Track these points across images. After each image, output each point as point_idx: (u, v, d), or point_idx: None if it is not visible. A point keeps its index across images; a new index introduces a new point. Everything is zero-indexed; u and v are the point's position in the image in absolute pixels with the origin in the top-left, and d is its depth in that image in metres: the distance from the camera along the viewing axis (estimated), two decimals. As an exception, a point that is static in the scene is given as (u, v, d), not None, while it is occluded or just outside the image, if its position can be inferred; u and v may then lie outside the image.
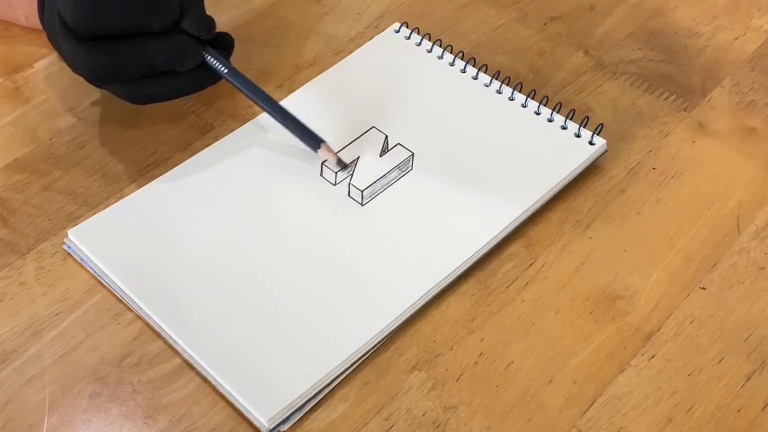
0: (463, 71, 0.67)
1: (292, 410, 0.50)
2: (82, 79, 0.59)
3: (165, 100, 0.60)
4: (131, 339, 0.54)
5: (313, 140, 0.60)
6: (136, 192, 0.60)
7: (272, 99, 0.60)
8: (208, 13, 0.59)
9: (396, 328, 0.54)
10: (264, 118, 0.63)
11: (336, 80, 0.67)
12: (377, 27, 0.72)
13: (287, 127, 0.60)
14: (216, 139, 0.63)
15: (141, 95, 0.58)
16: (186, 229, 0.58)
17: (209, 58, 0.59)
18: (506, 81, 0.66)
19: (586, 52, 0.71)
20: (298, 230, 0.58)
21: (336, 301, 0.54)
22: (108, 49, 0.55)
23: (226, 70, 0.59)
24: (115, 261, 0.56)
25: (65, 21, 0.55)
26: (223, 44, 0.60)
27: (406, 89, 0.66)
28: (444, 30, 0.72)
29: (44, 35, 0.63)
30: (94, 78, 0.57)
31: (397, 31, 0.70)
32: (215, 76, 0.60)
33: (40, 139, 0.64)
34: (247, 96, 0.60)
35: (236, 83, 0.60)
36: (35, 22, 0.64)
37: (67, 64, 0.58)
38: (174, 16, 0.56)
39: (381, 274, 0.56)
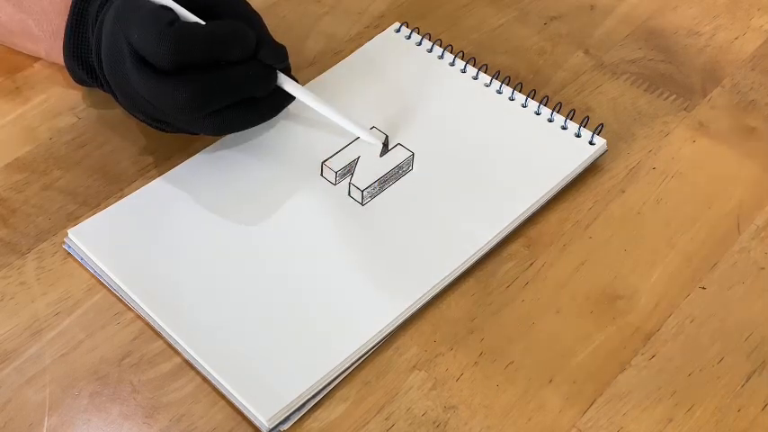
0: (463, 71, 0.67)
1: (292, 410, 0.50)
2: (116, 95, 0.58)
3: (247, 127, 0.59)
4: (131, 339, 0.54)
5: (377, 138, 0.62)
6: (136, 192, 0.60)
7: (338, 112, 0.61)
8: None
9: (396, 328, 0.54)
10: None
11: (336, 80, 0.67)
12: (377, 27, 0.72)
13: (354, 132, 0.62)
14: (216, 138, 0.63)
15: (225, 125, 0.58)
16: (186, 228, 0.58)
17: (283, 82, 0.59)
18: (506, 81, 0.66)
19: (586, 52, 0.71)
20: (298, 230, 0.58)
21: (336, 300, 0.54)
22: (194, 80, 0.55)
23: (301, 93, 0.60)
24: (115, 261, 0.56)
25: (139, 55, 0.54)
26: (285, 70, 0.61)
27: (406, 89, 0.66)
28: (444, 30, 0.72)
29: (63, 71, 0.63)
30: (184, 111, 0.55)
31: (398, 31, 0.70)
32: (289, 98, 0.60)
33: (39, 139, 0.64)
34: (317, 111, 0.61)
35: (307, 101, 0.61)
36: (55, 57, 0.64)
37: (137, 102, 0.57)
38: (253, 46, 0.57)
39: (381, 274, 0.56)
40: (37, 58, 0.69)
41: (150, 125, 0.60)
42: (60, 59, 0.62)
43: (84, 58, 0.61)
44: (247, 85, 0.57)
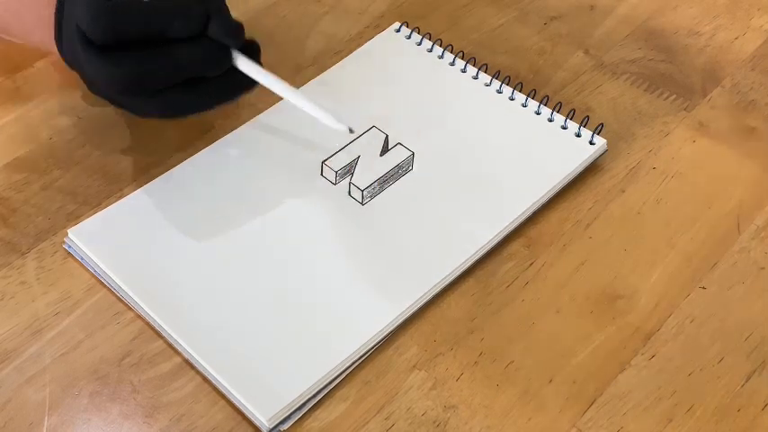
0: (463, 71, 0.67)
1: (292, 410, 0.50)
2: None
3: (197, 110, 0.56)
4: (131, 339, 0.54)
5: (342, 124, 0.56)
6: (136, 191, 0.60)
7: (305, 97, 0.56)
8: None
9: (396, 328, 0.54)
10: (265, 117, 0.64)
11: (336, 80, 0.67)
12: (377, 27, 0.72)
13: (318, 118, 0.56)
14: (216, 138, 0.63)
15: (171, 106, 0.55)
16: (186, 228, 0.58)
17: (239, 62, 0.55)
18: (506, 81, 0.66)
19: (586, 52, 0.71)
20: (298, 230, 0.58)
21: (336, 300, 0.54)
22: (133, 56, 0.53)
23: (258, 73, 0.55)
24: (115, 260, 0.56)
25: (83, 33, 0.53)
26: (249, 51, 0.57)
27: (407, 89, 0.66)
28: (444, 30, 0.72)
29: (63, 71, 0.62)
30: (121, 90, 0.54)
31: (398, 31, 0.70)
32: (248, 83, 0.56)
33: (40, 139, 0.64)
34: (284, 97, 0.57)
35: (266, 84, 0.56)
36: (50, 46, 0.63)
37: (89, 82, 0.57)
38: (199, 21, 0.53)
39: (381, 274, 0.56)
40: (37, 59, 0.69)
41: (116, 107, 0.58)
42: (55, 48, 0.62)
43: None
44: (192, 64, 0.54)
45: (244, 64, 0.55)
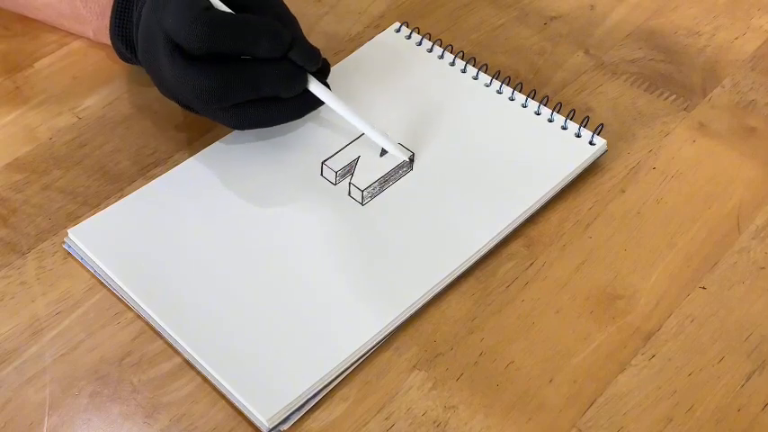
0: (463, 71, 0.67)
1: (292, 410, 0.50)
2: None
3: (268, 125, 0.59)
4: (131, 339, 0.54)
5: (403, 153, 0.61)
6: (136, 192, 0.60)
7: (368, 122, 0.61)
8: None
9: (396, 328, 0.54)
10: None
11: (336, 80, 0.67)
12: (377, 27, 0.72)
13: (382, 144, 0.61)
14: (216, 138, 0.63)
15: (246, 120, 0.58)
16: (186, 228, 0.58)
17: (312, 85, 0.59)
18: (506, 81, 0.66)
19: (586, 52, 0.71)
20: (297, 230, 0.58)
21: (336, 300, 0.54)
22: (219, 70, 0.55)
23: (329, 98, 0.60)
24: (115, 260, 0.56)
25: (172, 40, 0.55)
26: (321, 69, 0.60)
27: (407, 89, 0.66)
28: (444, 29, 0.72)
29: (109, 48, 0.64)
30: (203, 99, 0.56)
31: (398, 31, 0.70)
32: (317, 102, 0.60)
33: (39, 139, 0.64)
34: (347, 120, 0.61)
35: (336, 108, 0.60)
36: (102, 38, 0.65)
37: (159, 83, 0.59)
38: (285, 45, 0.56)
39: (381, 274, 0.56)
40: (37, 59, 0.69)
41: (183, 108, 0.60)
42: (107, 39, 0.63)
43: (129, 37, 0.62)
44: (272, 84, 0.57)
45: (315, 87, 0.59)
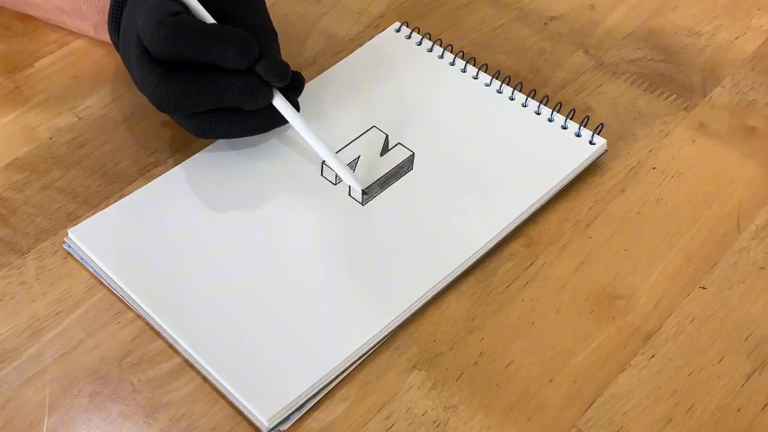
0: (463, 71, 0.67)
1: (292, 410, 0.50)
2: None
3: (229, 137, 0.59)
4: (131, 338, 0.54)
5: (359, 183, 0.59)
6: (136, 192, 0.60)
7: (331, 151, 0.59)
8: None
9: (396, 328, 0.54)
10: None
11: (336, 80, 0.67)
12: (377, 27, 0.72)
13: (339, 173, 0.59)
14: (216, 138, 0.63)
15: (206, 129, 0.57)
16: (186, 228, 0.58)
17: (277, 101, 0.58)
18: (506, 81, 0.66)
19: (586, 52, 0.71)
20: (298, 230, 0.58)
21: (336, 300, 0.54)
22: (181, 78, 0.55)
23: (293, 117, 0.58)
24: (115, 260, 0.56)
25: (142, 42, 0.55)
26: (293, 85, 0.59)
27: (407, 89, 0.66)
28: (444, 29, 0.72)
29: (109, 47, 0.63)
30: (159, 105, 0.56)
31: (398, 31, 0.70)
32: (281, 119, 0.59)
33: (39, 139, 0.64)
34: (309, 144, 0.59)
35: (298, 128, 0.59)
36: (103, 34, 0.65)
37: (137, 86, 0.58)
38: (251, 58, 0.55)
39: (381, 274, 0.56)
40: (37, 58, 0.69)
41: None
42: (107, 35, 0.63)
43: None
44: (235, 96, 0.56)
45: (280, 103, 0.58)
